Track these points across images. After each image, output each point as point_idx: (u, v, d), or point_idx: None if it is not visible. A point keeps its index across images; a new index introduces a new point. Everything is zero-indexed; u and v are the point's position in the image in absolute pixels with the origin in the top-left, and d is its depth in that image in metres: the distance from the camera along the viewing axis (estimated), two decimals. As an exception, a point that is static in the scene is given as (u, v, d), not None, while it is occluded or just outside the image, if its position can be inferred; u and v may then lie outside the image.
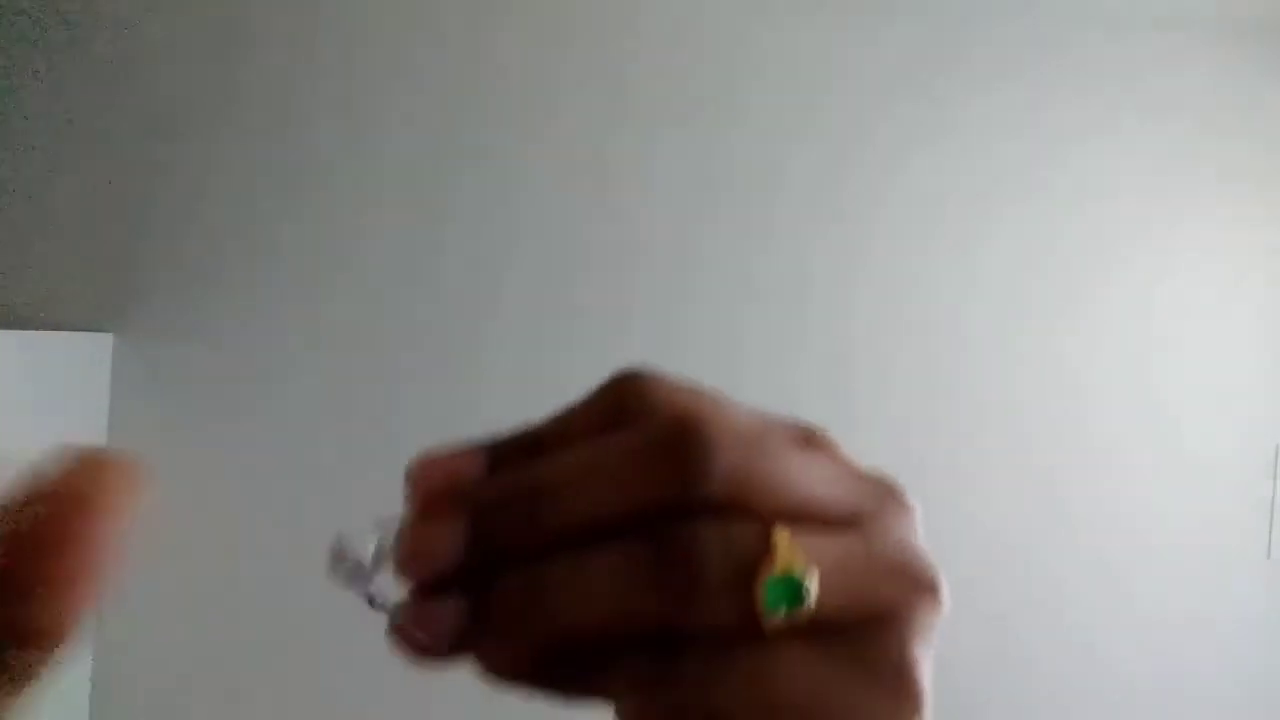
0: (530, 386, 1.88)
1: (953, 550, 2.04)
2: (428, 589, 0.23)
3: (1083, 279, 2.09)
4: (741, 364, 1.95)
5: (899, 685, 0.23)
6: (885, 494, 0.26)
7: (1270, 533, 2.13)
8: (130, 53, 1.78)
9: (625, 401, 0.24)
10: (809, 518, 0.23)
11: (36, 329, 1.67)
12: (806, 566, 0.21)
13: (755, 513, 0.22)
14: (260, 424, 1.81)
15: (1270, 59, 2.13)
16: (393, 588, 0.24)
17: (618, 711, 0.25)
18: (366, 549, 0.25)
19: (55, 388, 1.64)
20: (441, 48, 1.87)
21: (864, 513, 0.24)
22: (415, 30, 1.86)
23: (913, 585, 0.24)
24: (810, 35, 1.99)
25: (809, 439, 0.26)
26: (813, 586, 0.21)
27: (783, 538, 0.22)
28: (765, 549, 0.21)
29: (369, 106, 1.84)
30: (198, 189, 1.80)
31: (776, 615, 0.21)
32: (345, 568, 0.25)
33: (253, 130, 1.81)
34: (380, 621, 0.24)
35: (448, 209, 1.87)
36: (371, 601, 0.25)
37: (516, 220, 1.90)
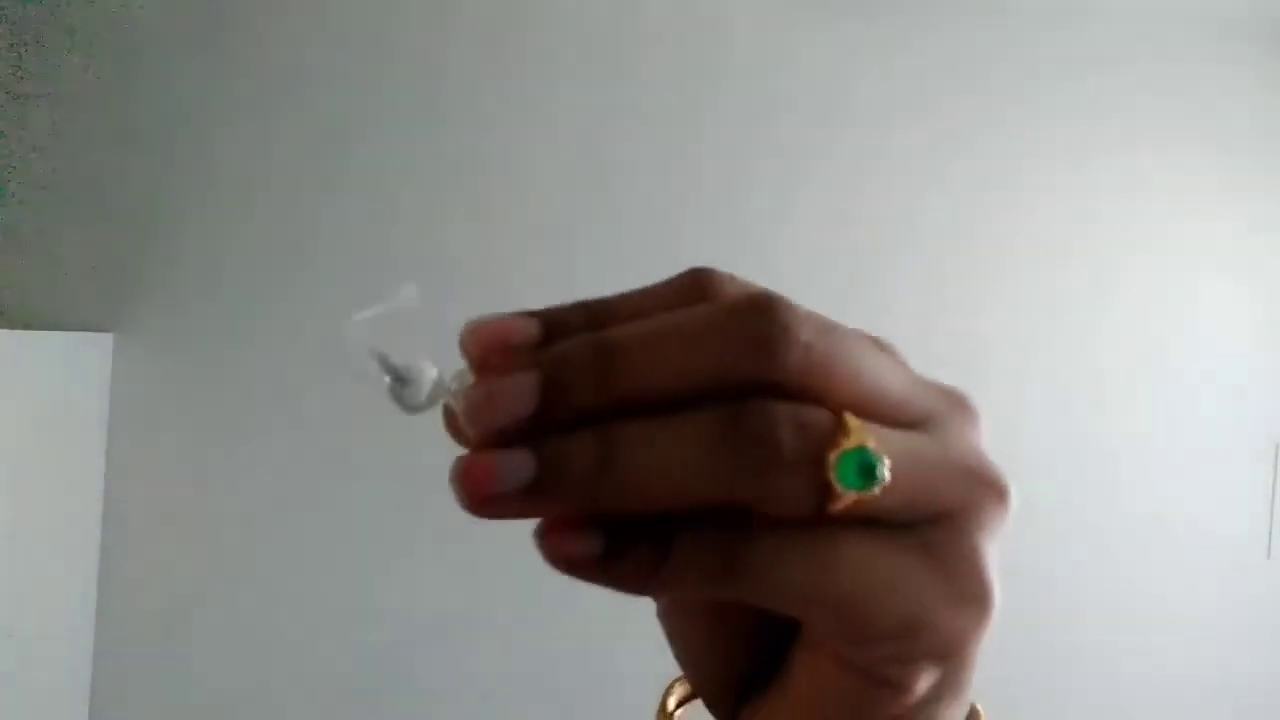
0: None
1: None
2: (493, 443, 0.22)
3: (1082, 279, 2.09)
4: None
5: (969, 580, 0.23)
6: (955, 401, 0.25)
7: (1270, 533, 2.13)
8: (130, 52, 1.78)
9: (698, 285, 0.24)
10: (881, 409, 0.23)
11: (36, 329, 1.67)
12: (879, 448, 0.21)
13: (830, 394, 0.22)
14: (260, 424, 1.81)
15: (1273, 60, 2.14)
16: None
17: (671, 597, 0.24)
18: (421, 383, 0.23)
19: (55, 388, 1.64)
20: (443, 48, 1.87)
21: (935, 414, 0.24)
22: (416, 31, 1.86)
23: (981, 486, 0.24)
24: (832, 44, 1.99)
25: (881, 345, 0.25)
26: (885, 466, 0.21)
27: (855, 420, 0.21)
28: (839, 427, 0.21)
29: (370, 107, 1.84)
30: (198, 189, 1.80)
31: (849, 491, 0.21)
32: (402, 395, 0.23)
33: (253, 130, 1.81)
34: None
35: (449, 209, 1.87)
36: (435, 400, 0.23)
37: (518, 221, 1.89)
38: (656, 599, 0.25)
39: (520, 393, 0.22)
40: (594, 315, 0.24)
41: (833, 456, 0.21)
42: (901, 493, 0.22)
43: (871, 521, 0.22)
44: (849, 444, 0.21)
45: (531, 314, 0.23)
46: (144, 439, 1.77)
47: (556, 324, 0.23)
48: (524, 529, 0.23)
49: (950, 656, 0.23)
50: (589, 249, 1.91)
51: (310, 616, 1.80)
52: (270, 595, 1.80)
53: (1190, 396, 2.12)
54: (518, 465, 0.21)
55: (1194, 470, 2.12)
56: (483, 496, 0.22)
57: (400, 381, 0.24)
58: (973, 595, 0.23)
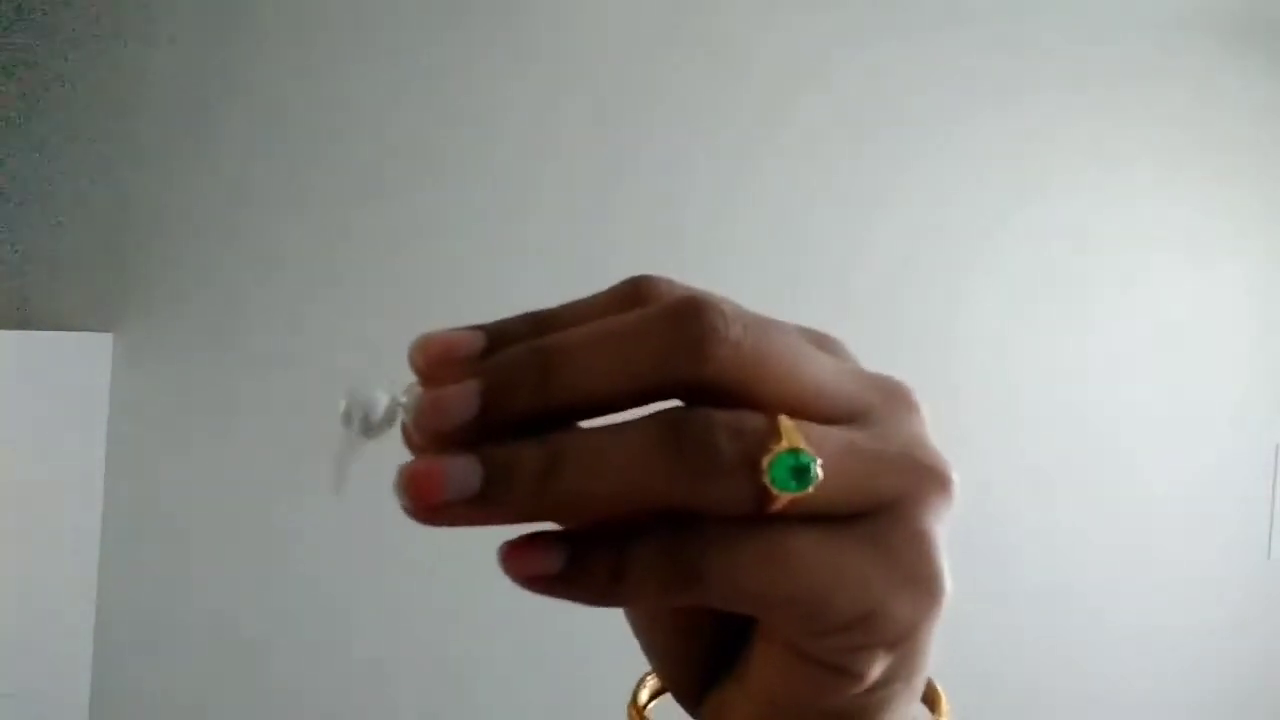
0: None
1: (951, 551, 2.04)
2: (438, 450, 0.23)
3: (1082, 280, 2.09)
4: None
5: (916, 566, 0.23)
6: (893, 392, 0.26)
7: (1270, 533, 2.13)
8: (130, 52, 1.78)
9: (637, 292, 0.25)
10: (816, 405, 0.23)
11: (36, 329, 1.67)
12: (810, 449, 0.22)
13: (764, 394, 0.22)
14: (260, 424, 1.81)
15: (1272, 59, 2.14)
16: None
17: (632, 608, 0.25)
18: (377, 406, 0.25)
19: (55, 388, 1.64)
20: (445, 50, 1.87)
21: (872, 407, 0.24)
22: (416, 32, 1.86)
23: (921, 474, 0.24)
24: (814, 43, 1.99)
25: (820, 340, 0.26)
26: (817, 465, 0.21)
27: (788, 421, 0.22)
28: (772, 430, 0.22)
29: (371, 107, 1.85)
30: (198, 189, 1.80)
31: (783, 494, 0.21)
32: (354, 424, 0.25)
33: (254, 130, 1.81)
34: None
35: (450, 210, 1.87)
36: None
37: (520, 221, 1.90)
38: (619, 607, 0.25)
39: (462, 397, 0.22)
40: (537, 324, 0.25)
41: (766, 460, 0.21)
42: (839, 487, 0.22)
43: (816, 517, 0.22)
44: (781, 447, 0.21)
45: (478, 327, 0.24)
46: (144, 439, 1.77)
47: (502, 335, 0.24)
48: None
49: (903, 642, 0.24)
50: (590, 248, 1.91)
51: (310, 616, 1.80)
52: (270, 595, 1.80)
53: (1190, 397, 2.12)
54: (464, 471, 0.22)
55: (1194, 470, 2.11)
56: (429, 505, 0.22)
57: (357, 408, 0.25)
58: (922, 581, 0.23)
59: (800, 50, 1.98)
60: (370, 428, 0.25)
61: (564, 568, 0.22)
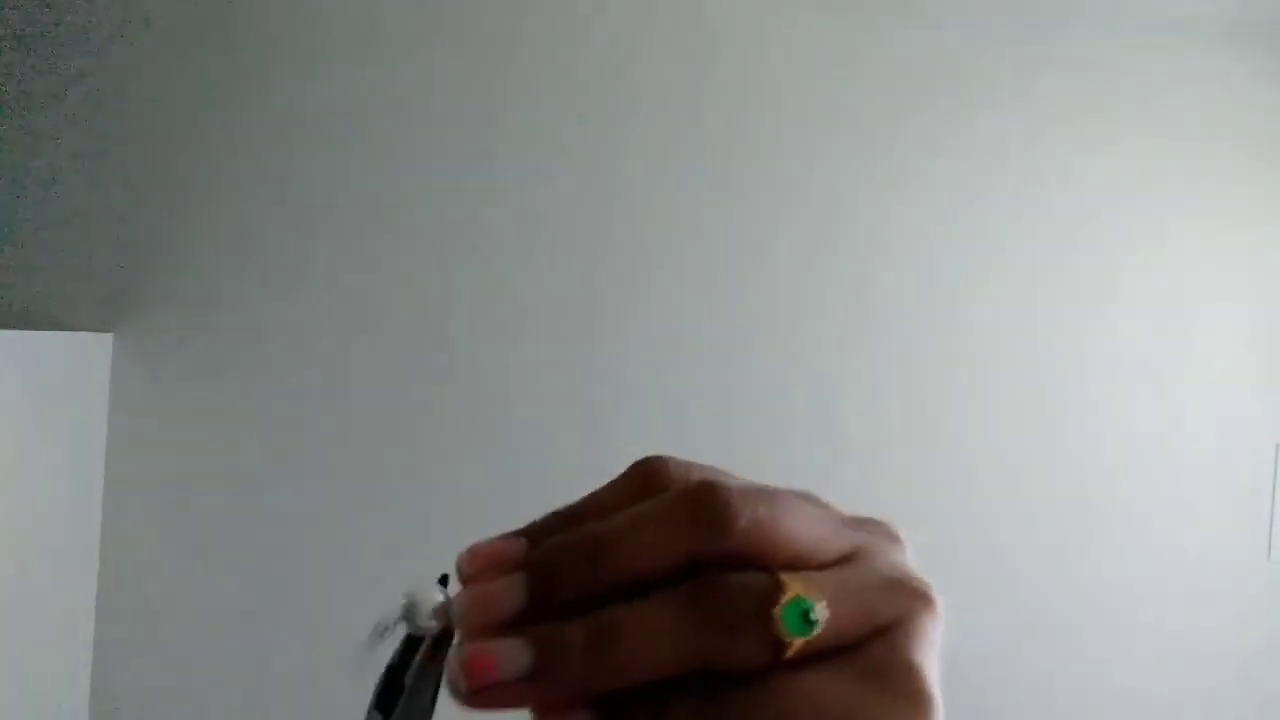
0: (527, 382, 1.89)
1: (950, 553, 2.04)
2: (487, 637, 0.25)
3: (1081, 280, 2.09)
4: (755, 353, 1.96)
5: (908, 688, 0.26)
6: (876, 529, 0.29)
7: (1270, 533, 2.13)
8: (131, 53, 1.78)
9: (648, 479, 0.28)
10: (815, 556, 0.27)
11: (36, 329, 1.67)
12: (813, 594, 0.25)
13: (765, 559, 0.26)
14: (260, 424, 1.81)
15: (1270, 61, 2.14)
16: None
17: None
18: (430, 605, 0.27)
19: (55, 388, 1.64)
20: (446, 51, 1.87)
21: (860, 546, 0.28)
22: (417, 33, 1.86)
23: (908, 597, 0.27)
24: (820, 43, 1.99)
25: (805, 496, 0.29)
26: (820, 609, 0.25)
27: (791, 576, 0.25)
28: (777, 585, 0.25)
29: (371, 108, 1.85)
30: (198, 189, 1.80)
31: (795, 637, 0.24)
32: (410, 622, 0.27)
33: (254, 130, 1.81)
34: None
35: (450, 210, 1.87)
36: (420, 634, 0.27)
37: (522, 222, 1.90)
38: None
39: (510, 589, 0.25)
40: (568, 521, 0.28)
41: (777, 612, 0.24)
42: (841, 623, 0.25)
43: (823, 653, 0.25)
44: (788, 598, 0.25)
45: (517, 533, 0.27)
46: (144, 439, 1.77)
47: (538, 536, 0.27)
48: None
49: None
50: (589, 249, 1.91)
51: (310, 616, 1.80)
52: (270, 595, 1.80)
53: (1190, 397, 2.12)
54: (516, 652, 0.25)
55: (1194, 470, 2.11)
56: (482, 686, 0.25)
57: (414, 608, 0.28)
58: (914, 701, 0.26)
59: (815, 49, 1.98)
60: (419, 626, 0.27)
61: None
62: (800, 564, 0.26)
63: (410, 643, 0.28)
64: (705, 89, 1.95)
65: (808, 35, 1.99)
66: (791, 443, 1.97)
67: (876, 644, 0.26)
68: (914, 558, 0.29)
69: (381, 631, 0.28)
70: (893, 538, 0.29)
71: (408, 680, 0.28)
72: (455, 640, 0.26)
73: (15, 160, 1.75)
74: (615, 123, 1.93)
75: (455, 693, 0.25)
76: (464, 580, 0.27)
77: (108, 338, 1.76)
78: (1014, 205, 2.06)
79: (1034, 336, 2.07)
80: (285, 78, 1.82)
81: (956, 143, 2.03)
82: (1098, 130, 2.08)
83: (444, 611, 0.27)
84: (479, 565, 0.27)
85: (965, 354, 2.04)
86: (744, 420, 1.95)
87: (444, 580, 0.28)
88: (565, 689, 0.25)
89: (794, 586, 0.25)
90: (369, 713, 0.28)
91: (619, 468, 0.29)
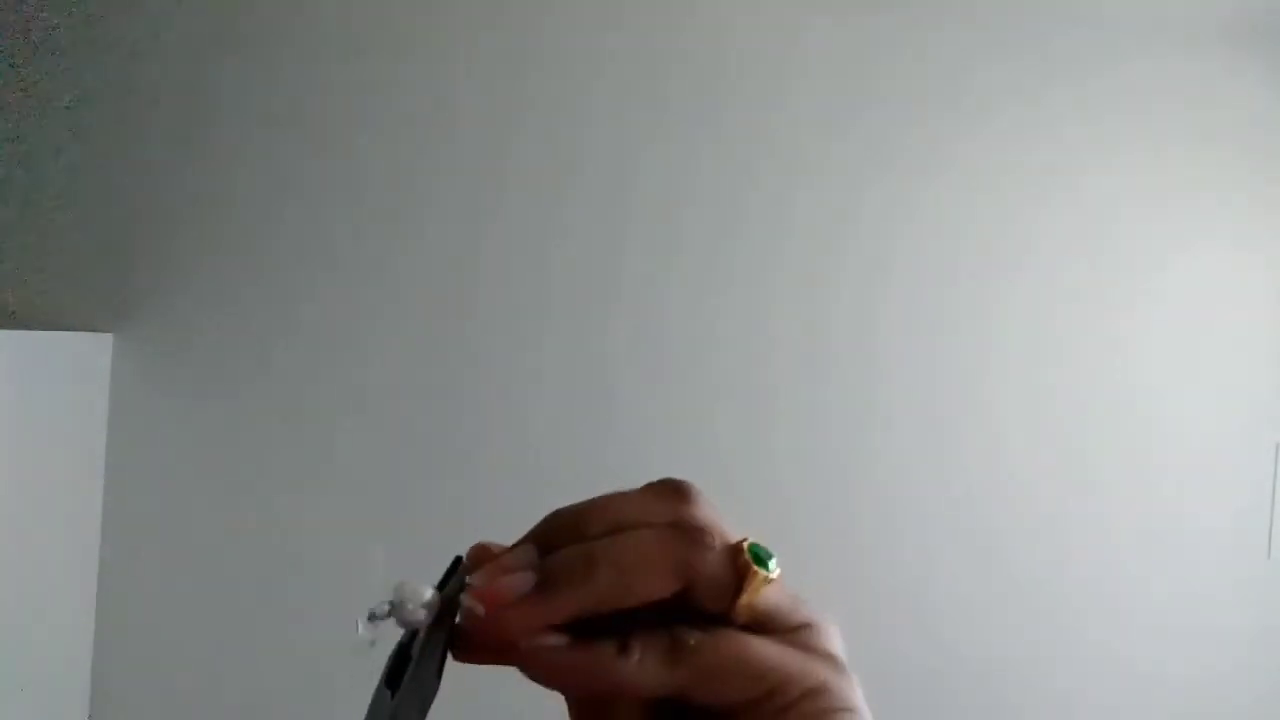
0: (520, 378, 1.89)
1: (950, 552, 2.04)
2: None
3: (1081, 280, 2.09)
4: (769, 354, 1.96)
5: (828, 659, 0.31)
6: (821, 621, 0.33)
7: (1270, 533, 2.13)
8: (131, 54, 1.78)
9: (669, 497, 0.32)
10: (771, 622, 0.31)
11: (36, 329, 1.67)
12: (769, 552, 0.30)
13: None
14: (260, 424, 1.81)
15: (1273, 61, 2.13)
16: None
17: (628, 691, 0.30)
18: (421, 598, 0.29)
19: (55, 388, 1.64)
20: (458, 55, 1.87)
21: (811, 622, 0.33)
22: (417, 34, 1.86)
23: (814, 611, 0.32)
24: (833, 44, 1.99)
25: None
26: (773, 562, 0.30)
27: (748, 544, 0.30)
28: (740, 545, 0.30)
29: (371, 109, 1.84)
30: (198, 190, 1.80)
31: (759, 568, 0.29)
32: (398, 614, 0.29)
33: (254, 132, 1.81)
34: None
35: (449, 211, 1.87)
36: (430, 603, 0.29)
37: (524, 223, 1.90)
38: (615, 694, 0.31)
39: (517, 556, 0.30)
40: (574, 524, 0.31)
41: (745, 544, 0.30)
42: (779, 608, 0.31)
43: (760, 629, 0.30)
44: (749, 542, 0.30)
45: (526, 540, 0.31)
46: (144, 439, 1.77)
47: (547, 539, 0.31)
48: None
49: (850, 707, 0.31)
50: (602, 253, 1.91)
51: (310, 616, 1.80)
52: (270, 595, 1.80)
53: (1191, 397, 2.12)
54: (520, 579, 0.29)
55: (1194, 470, 2.11)
56: (495, 604, 0.28)
57: (404, 600, 0.29)
58: (831, 662, 0.31)
59: (827, 57, 1.98)
60: (407, 620, 0.29)
61: (573, 639, 0.29)
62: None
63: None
64: (720, 96, 1.95)
65: (821, 42, 1.99)
66: (796, 443, 1.97)
67: (804, 631, 0.31)
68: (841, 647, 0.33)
69: (370, 620, 0.29)
70: (830, 634, 0.33)
71: (414, 651, 0.29)
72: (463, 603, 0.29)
73: (15, 161, 1.75)
74: (630, 129, 1.92)
75: (464, 646, 0.29)
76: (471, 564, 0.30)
77: (108, 338, 1.76)
78: (1021, 210, 2.06)
79: (1035, 338, 2.07)
80: (289, 79, 1.82)
81: (956, 148, 2.03)
82: (1096, 132, 2.08)
83: (434, 605, 0.29)
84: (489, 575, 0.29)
85: (970, 354, 2.04)
86: (759, 421, 1.95)
87: (457, 562, 0.30)
88: (566, 606, 0.29)
89: (752, 545, 0.30)
90: (378, 689, 0.29)
91: (621, 471, 0.30)
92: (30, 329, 1.65)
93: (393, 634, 0.30)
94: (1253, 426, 2.14)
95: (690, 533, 0.29)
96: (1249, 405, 2.14)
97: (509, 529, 0.31)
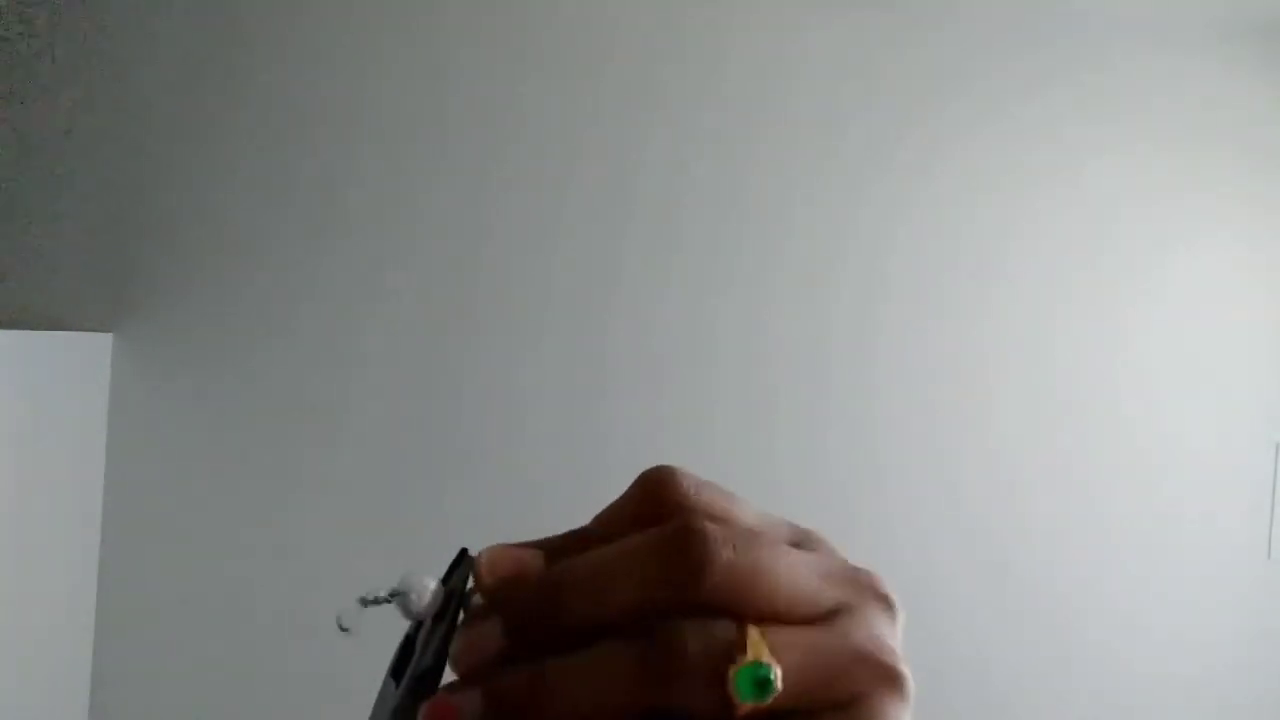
0: (519, 378, 1.89)
1: (949, 552, 2.04)
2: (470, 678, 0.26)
3: (1081, 280, 2.09)
4: (770, 350, 1.96)
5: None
6: (866, 588, 0.28)
7: (1270, 533, 2.13)
8: (131, 54, 1.78)
9: (653, 494, 0.28)
10: (792, 612, 0.26)
11: (36, 329, 1.67)
12: (773, 659, 0.24)
13: (738, 611, 0.25)
14: (260, 424, 1.81)
15: (1273, 61, 2.13)
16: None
17: None
18: (426, 592, 0.29)
19: (55, 388, 1.64)
20: (446, 54, 1.87)
21: (844, 603, 0.27)
22: (417, 35, 1.86)
23: (875, 676, 0.25)
24: (830, 50, 1.99)
25: (803, 539, 0.29)
26: (777, 676, 0.24)
27: (755, 633, 0.24)
28: (740, 642, 0.24)
29: (371, 110, 1.85)
30: (198, 190, 1.80)
31: (746, 702, 0.23)
32: (402, 604, 0.29)
33: (254, 131, 1.81)
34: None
35: (449, 210, 1.87)
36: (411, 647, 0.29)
37: (523, 223, 1.90)
38: None
39: (487, 642, 0.26)
40: (577, 543, 0.28)
41: (731, 672, 0.24)
42: (796, 692, 0.24)
43: (779, 715, 0.24)
44: (745, 660, 0.24)
45: (535, 545, 0.29)
46: (144, 439, 1.77)
47: (552, 554, 0.28)
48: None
49: None
50: (600, 255, 1.91)
51: (310, 616, 1.80)
52: (270, 595, 1.80)
53: (1191, 397, 2.12)
54: (469, 700, 0.25)
55: (1194, 470, 2.11)
56: None
57: (410, 592, 0.29)
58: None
59: (825, 57, 1.98)
60: (411, 613, 0.29)
61: None
62: (775, 619, 0.25)
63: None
64: (717, 95, 1.95)
65: (821, 42, 1.99)
66: (798, 444, 1.97)
67: (838, 715, 0.25)
68: (898, 621, 0.28)
69: (366, 603, 0.29)
70: (881, 597, 0.28)
71: (418, 643, 0.29)
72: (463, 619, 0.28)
73: (15, 161, 1.75)
74: (629, 128, 1.93)
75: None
76: (482, 588, 0.28)
77: (108, 338, 1.76)
78: (1021, 210, 2.06)
79: (1034, 338, 2.07)
80: (289, 77, 1.82)
81: (954, 149, 2.03)
82: (1096, 132, 2.08)
83: (438, 597, 0.28)
84: (494, 567, 0.28)
85: (970, 356, 2.04)
86: (757, 426, 1.95)
87: (462, 554, 0.29)
88: None
89: (756, 648, 0.24)
90: (385, 680, 0.29)
91: (621, 471, 0.30)
92: (30, 329, 1.65)
93: (387, 626, 0.30)
94: (1253, 426, 2.14)
95: (672, 657, 0.24)
96: (1249, 405, 2.14)
97: (509, 529, 0.30)
